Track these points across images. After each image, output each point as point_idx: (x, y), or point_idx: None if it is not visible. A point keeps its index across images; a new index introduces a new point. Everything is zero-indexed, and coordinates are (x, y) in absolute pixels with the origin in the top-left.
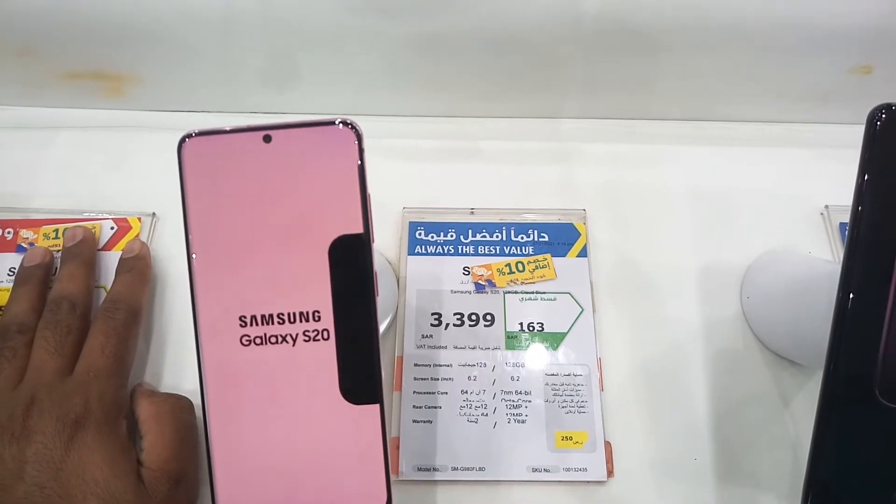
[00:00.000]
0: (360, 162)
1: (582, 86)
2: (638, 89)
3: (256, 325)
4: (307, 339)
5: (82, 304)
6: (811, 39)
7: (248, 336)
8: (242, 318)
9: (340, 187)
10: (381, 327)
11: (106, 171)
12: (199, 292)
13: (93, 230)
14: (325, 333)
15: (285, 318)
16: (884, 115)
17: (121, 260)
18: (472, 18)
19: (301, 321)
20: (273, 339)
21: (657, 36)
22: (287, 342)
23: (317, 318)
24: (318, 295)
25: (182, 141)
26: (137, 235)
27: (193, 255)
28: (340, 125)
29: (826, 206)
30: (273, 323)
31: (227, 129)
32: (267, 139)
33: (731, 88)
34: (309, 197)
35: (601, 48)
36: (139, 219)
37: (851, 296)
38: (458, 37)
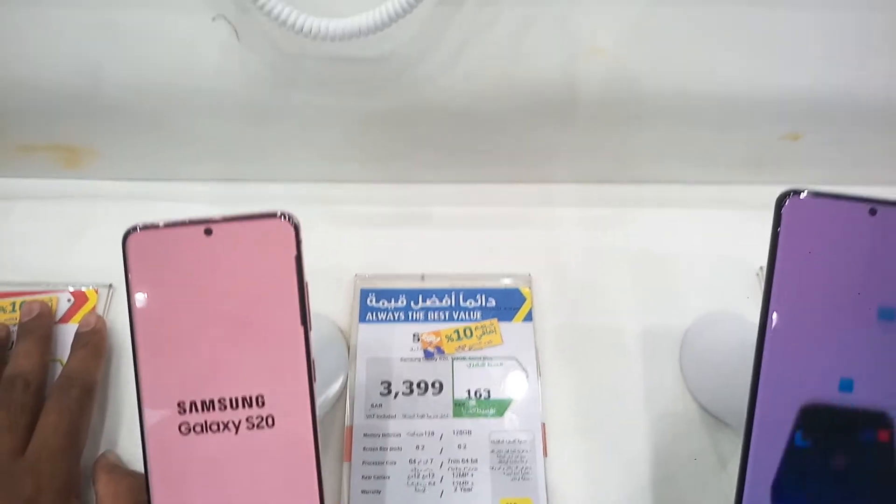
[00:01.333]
0: (297, 253)
1: (525, 154)
2: (581, 156)
3: (196, 411)
4: (250, 426)
5: (36, 381)
6: (743, 111)
7: (188, 423)
8: (181, 405)
9: (278, 278)
10: (333, 392)
11: (63, 241)
12: (142, 380)
13: (49, 303)
14: (270, 420)
15: (227, 403)
16: (788, 201)
17: (77, 334)
18: (422, 94)
19: (244, 407)
20: (214, 427)
21: (596, 108)
22: (229, 430)
23: (260, 404)
24: (260, 381)
25: (126, 235)
26: (94, 307)
27: (138, 346)
28: (280, 218)
29: (761, 268)
30: (214, 409)
31: (170, 222)
32: (208, 232)
33: (668, 153)
34: (249, 287)
35: (541, 118)
36: (96, 290)
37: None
38: (408, 109)
